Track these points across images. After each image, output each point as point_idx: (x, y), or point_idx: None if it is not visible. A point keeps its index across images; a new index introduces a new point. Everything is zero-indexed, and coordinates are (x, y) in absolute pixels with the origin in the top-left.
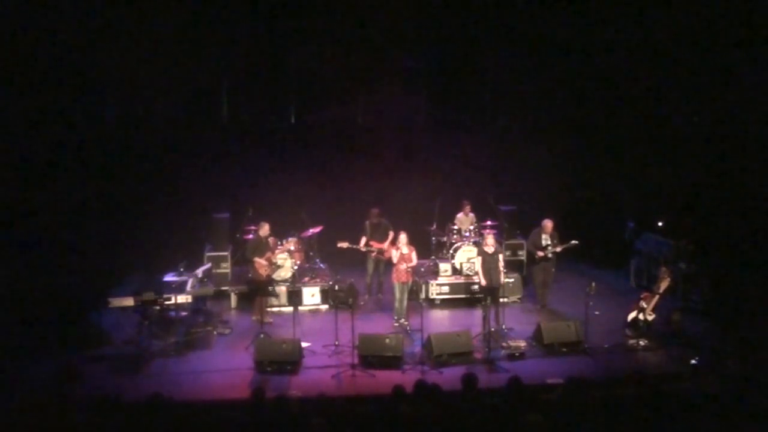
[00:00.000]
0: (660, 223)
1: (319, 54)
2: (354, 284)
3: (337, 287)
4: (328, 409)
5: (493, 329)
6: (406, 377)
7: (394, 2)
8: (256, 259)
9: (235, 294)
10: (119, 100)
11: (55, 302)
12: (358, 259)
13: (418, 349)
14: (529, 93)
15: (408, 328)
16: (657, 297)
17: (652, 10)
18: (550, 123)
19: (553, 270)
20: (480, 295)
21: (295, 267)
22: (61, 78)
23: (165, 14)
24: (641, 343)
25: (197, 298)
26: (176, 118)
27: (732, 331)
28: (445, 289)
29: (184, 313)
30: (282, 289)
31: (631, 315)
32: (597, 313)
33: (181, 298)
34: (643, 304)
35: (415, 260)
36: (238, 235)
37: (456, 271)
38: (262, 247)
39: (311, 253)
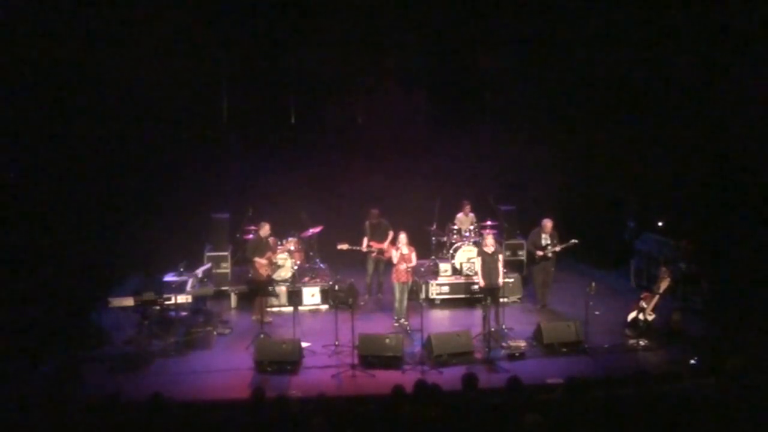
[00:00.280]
0: (660, 223)
1: (318, 54)
2: (354, 284)
3: (337, 287)
4: (328, 409)
5: (493, 329)
6: (406, 377)
7: (394, 2)
8: (257, 259)
9: (235, 294)
10: (119, 99)
11: (55, 302)
12: (358, 259)
13: (418, 349)
14: (529, 93)
15: (408, 328)
16: (657, 297)
17: (652, 10)
18: (549, 123)
19: (553, 270)
20: (480, 295)
21: (295, 267)
22: (60, 78)
23: (165, 14)
24: (641, 343)
25: (197, 298)
26: (176, 118)
27: (732, 331)
28: (445, 289)
29: (184, 313)
30: (282, 289)
31: (631, 315)
32: (597, 313)
33: (181, 298)
34: (643, 304)
35: (414, 260)
36: (238, 235)
37: (456, 271)
38: (262, 247)
39: (311, 253)
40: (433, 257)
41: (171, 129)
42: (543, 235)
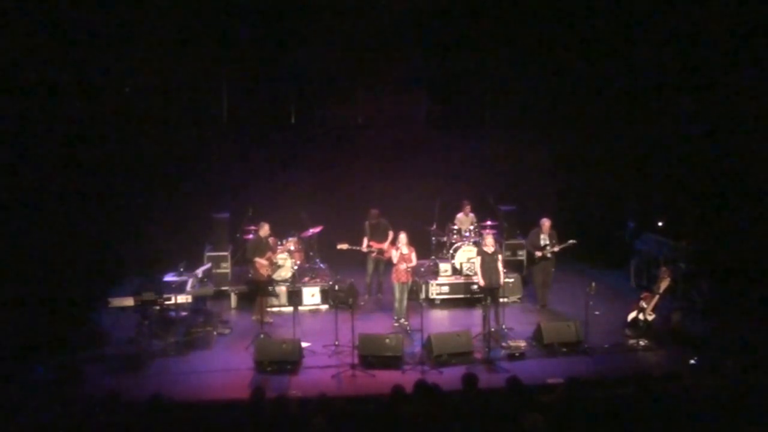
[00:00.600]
0: (660, 223)
1: (318, 54)
2: (354, 284)
3: (337, 287)
4: (328, 409)
5: (493, 329)
6: (406, 377)
7: (395, 3)
8: (257, 259)
9: (235, 294)
10: (119, 99)
11: (55, 302)
12: (358, 259)
13: (418, 349)
14: (529, 93)
15: (408, 328)
16: (657, 297)
17: (652, 10)
18: (549, 122)
19: (553, 270)
20: (480, 295)
21: (295, 267)
22: (60, 78)
23: (165, 14)
24: (641, 343)
25: (197, 298)
26: (176, 118)
27: (732, 331)
28: (445, 289)
29: (184, 313)
30: (282, 289)
31: (631, 315)
32: (597, 313)
33: (181, 298)
34: (643, 304)
35: (414, 260)
36: (238, 235)
37: (456, 271)
38: (262, 247)
39: (311, 253)
40: (433, 257)
41: (171, 129)
42: (541, 235)
